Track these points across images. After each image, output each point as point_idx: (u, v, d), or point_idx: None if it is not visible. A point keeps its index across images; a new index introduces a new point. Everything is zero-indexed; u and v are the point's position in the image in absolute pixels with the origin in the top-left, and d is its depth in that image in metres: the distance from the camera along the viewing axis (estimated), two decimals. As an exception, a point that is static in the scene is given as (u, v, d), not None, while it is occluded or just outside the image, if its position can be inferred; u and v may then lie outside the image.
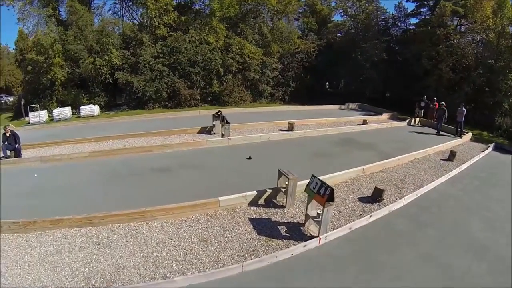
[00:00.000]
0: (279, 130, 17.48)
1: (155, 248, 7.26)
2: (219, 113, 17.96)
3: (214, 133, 17.71)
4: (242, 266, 6.11)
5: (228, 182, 10.58)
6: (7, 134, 13.08)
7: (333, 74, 32.55)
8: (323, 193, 6.70)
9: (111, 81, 26.97)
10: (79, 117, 23.92)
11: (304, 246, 6.61)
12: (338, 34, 35.46)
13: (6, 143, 13.12)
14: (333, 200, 6.59)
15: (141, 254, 7.06)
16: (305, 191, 7.63)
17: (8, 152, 13.17)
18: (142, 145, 14.79)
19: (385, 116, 22.64)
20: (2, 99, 38.82)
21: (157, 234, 7.75)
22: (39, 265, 6.76)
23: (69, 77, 26.62)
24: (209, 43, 28.18)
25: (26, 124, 21.13)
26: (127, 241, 7.57)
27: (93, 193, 9.95)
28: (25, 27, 27.22)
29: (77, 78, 27.16)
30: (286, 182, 8.66)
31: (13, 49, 34.64)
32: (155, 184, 10.41)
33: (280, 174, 9.03)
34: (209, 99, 29.19)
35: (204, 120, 19.22)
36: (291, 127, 18.18)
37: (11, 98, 37.60)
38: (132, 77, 26.59)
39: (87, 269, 6.67)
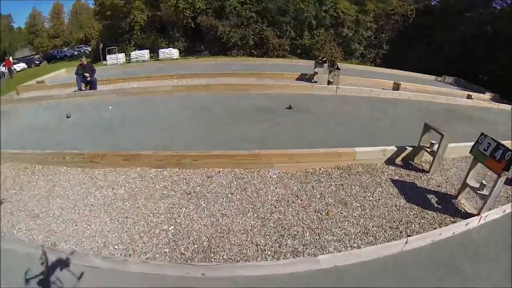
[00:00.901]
0: (382, 88, 15.76)
1: (275, 207, 5.04)
2: (324, 59, 16.11)
3: (315, 81, 15.94)
4: (406, 243, 4.37)
5: (346, 133, 8.28)
6: (84, 65, 12.61)
7: (428, 41, 28.52)
8: (499, 158, 5.17)
9: (192, 26, 26.56)
10: (158, 60, 23.61)
11: (466, 224, 5.14)
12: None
13: (81, 75, 12.51)
14: (508, 169, 5.03)
15: (255, 214, 4.85)
16: (470, 153, 5.80)
17: (83, 86, 12.63)
18: (238, 82, 12.98)
19: (487, 95, 19.22)
20: (81, 49, 41.94)
21: (275, 188, 5.55)
22: (103, 212, 4.98)
23: (149, 21, 26.96)
24: (301, -7, 26.41)
25: (103, 66, 21.18)
26: (231, 194, 5.38)
27: (179, 129, 8.10)
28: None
29: (157, 22, 27.38)
30: (433, 141, 6.83)
31: (93, 4, 36.69)
32: (258, 125, 8.53)
33: (427, 129, 6.94)
34: (298, 52, 27.61)
35: (298, 69, 17.28)
36: (396, 87, 16.22)
37: (89, 48, 40.10)
38: (217, 21, 26.03)
39: (172, 227, 4.61)
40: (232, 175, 5.89)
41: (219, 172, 5.96)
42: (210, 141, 7.14)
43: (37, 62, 32.52)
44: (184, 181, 5.70)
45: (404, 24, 29.12)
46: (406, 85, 17.06)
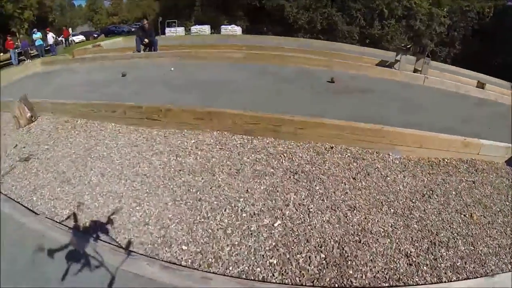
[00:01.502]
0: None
1: (411, 201, 3.42)
2: (408, 46, 15.20)
3: (396, 69, 14.42)
4: None
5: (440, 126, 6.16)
6: (144, 28, 11.68)
7: (506, 44, 25.52)
8: None
9: (257, 4, 25.01)
10: (219, 35, 22.33)
11: None
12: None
13: (141, 37, 11.49)
14: None
15: (392, 210, 3.22)
16: None
17: (142, 49, 11.49)
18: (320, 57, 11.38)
19: None
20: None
21: (403, 177, 3.89)
22: (162, 188, 3.38)
23: (211, -3, 25.78)
24: (372, -22, 24.80)
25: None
26: (353, 178, 3.64)
27: (259, 94, 6.53)
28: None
29: (220, -2, 26.08)
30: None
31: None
32: (355, 102, 6.83)
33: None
34: (367, 42, 25.68)
35: (375, 56, 15.61)
36: (481, 86, 14.71)
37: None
38: (284, 1, 24.53)
39: (278, 222, 2.91)
40: (348, 154, 4.10)
41: (332, 148, 4.10)
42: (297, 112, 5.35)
43: (95, 35, 32.84)
44: (285, 155, 3.93)
45: (479, 23, 26.63)
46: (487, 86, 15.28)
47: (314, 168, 3.67)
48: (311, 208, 3.03)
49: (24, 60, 16.04)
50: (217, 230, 2.74)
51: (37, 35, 18.62)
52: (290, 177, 3.49)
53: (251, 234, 2.70)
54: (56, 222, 2.84)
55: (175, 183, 3.35)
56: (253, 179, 3.41)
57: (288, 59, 10.41)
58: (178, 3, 26.24)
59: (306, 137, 4.22)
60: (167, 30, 22.08)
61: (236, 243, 2.61)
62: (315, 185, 3.37)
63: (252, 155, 3.92)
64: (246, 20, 25.78)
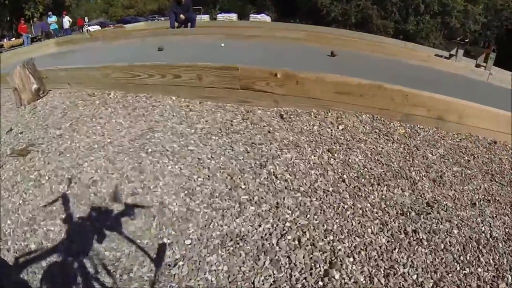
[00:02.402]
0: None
1: None
2: (466, 40, 13.88)
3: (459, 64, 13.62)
4: None
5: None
6: (180, 1, 10.18)
7: None
8: None
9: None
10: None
11: None
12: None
13: (175, 13, 10.17)
14: None
15: None
16: None
17: (176, 25, 10.25)
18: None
19: None
20: (155, 19, 41.71)
21: None
22: (358, 220, 1.75)
23: (236, -15, 25.66)
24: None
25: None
26: None
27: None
28: None
29: (249, -13, 26.03)
30: None
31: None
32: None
33: None
34: (401, 38, 25.18)
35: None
36: None
37: (162, 18, 39.87)
38: None
39: None
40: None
41: (495, 143, 3.05)
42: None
43: (111, 25, 32.03)
44: (463, 151, 2.75)
45: (512, 22, 26.09)
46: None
47: (500, 168, 2.62)
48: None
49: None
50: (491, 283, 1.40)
51: (52, 19, 17.67)
52: (491, 180, 2.43)
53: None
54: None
55: (369, 202, 1.73)
56: (461, 185, 2.26)
57: (351, 44, 8.74)
58: (201, -8, 25.32)
59: (465, 127, 3.02)
60: (191, 17, 20.94)
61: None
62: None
63: (433, 150, 2.56)
64: (273, 10, 25.34)
